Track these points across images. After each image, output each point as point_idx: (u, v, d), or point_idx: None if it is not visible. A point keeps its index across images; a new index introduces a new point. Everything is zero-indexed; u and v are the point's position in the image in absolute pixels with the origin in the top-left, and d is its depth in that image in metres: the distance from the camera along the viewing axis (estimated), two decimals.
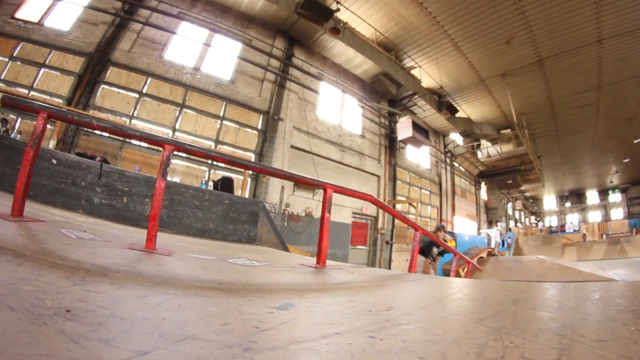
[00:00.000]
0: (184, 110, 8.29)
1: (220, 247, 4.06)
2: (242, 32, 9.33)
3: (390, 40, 11.39)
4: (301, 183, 3.43)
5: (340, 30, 9.28)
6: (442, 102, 13.82)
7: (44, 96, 7.35)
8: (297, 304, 1.44)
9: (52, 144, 6.69)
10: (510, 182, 19.85)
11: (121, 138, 7.13)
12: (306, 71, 10.24)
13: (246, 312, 1.21)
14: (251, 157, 8.88)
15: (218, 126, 8.66)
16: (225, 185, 6.27)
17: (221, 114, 8.74)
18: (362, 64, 11.40)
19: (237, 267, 2.34)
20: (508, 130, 16.42)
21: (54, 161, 4.49)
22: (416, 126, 11.64)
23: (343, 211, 10.59)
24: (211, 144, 8.43)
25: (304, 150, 9.93)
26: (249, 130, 9.10)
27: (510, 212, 25.99)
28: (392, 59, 11.58)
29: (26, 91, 7.32)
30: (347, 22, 9.94)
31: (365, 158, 11.91)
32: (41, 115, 2.31)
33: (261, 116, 9.29)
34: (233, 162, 3.19)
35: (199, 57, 8.73)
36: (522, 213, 30.24)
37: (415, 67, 12.45)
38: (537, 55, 11.42)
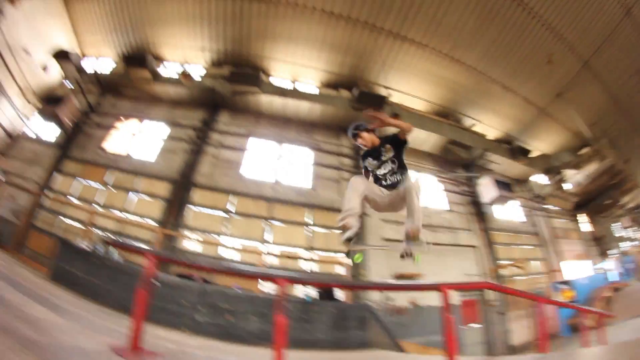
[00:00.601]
0: (272, 222, 8.57)
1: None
2: (309, 137, 10.00)
3: (445, 107, 11.44)
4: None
5: (399, 114, 9.44)
6: (513, 148, 12.99)
7: (138, 219, 8.14)
8: None
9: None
10: (608, 201, 17.34)
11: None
12: None
13: None
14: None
15: (307, 233, 8.70)
16: (328, 292, 6.15)
17: (308, 221, 8.86)
18: (427, 139, 11.31)
19: None
20: (587, 149, 14.66)
21: (157, 283, 4.65)
22: (498, 183, 10.99)
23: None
24: (303, 252, 8.45)
25: (394, 240, 9.28)
26: (337, 232, 8.84)
27: (620, 233, 22.02)
28: (452, 123, 11.44)
29: (122, 214, 8.41)
30: (400, 104, 10.20)
31: (457, 232, 11.02)
32: (150, 259, 2.45)
33: None
34: (346, 285, 3.19)
35: (277, 171, 9.41)
36: (633, 229, 25.32)
37: (475, 124, 12.08)
38: (580, 59, 10.56)
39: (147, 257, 2.52)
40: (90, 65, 11.04)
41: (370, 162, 3.06)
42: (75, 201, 9.18)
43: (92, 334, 2.48)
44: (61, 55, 10.35)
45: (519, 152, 12.77)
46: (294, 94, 9.39)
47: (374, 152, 3.08)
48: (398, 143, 3.01)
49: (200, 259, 7.31)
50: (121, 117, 10.35)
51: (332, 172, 9.57)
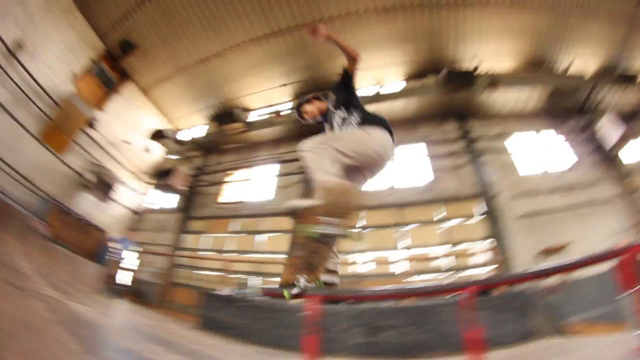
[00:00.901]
0: (404, 228, 8.43)
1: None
2: (414, 133, 9.92)
3: (533, 57, 10.52)
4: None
5: (496, 81, 8.88)
6: (619, 77, 11.45)
7: (268, 255, 8.77)
8: None
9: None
10: None
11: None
12: (487, 137, 9.86)
13: None
14: (486, 242, 8.08)
15: (440, 230, 8.39)
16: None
17: (439, 217, 8.59)
18: (529, 98, 10.55)
19: None
20: None
21: (300, 313, 4.86)
22: (619, 119, 9.82)
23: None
24: (440, 249, 8.22)
25: (531, 215, 8.72)
26: (471, 221, 8.56)
27: None
28: (547, 73, 10.49)
29: (255, 255, 9.07)
30: (490, 72, 9.63)
31: (591, 187, 9.77)
32: (316, 301, 2.10)
33: (476, 201, 8.75)
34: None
35: (394, 175, 9.39)
36: None
37: (570, 64, 10.96)
38: None
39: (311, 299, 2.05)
40: (186, 135, 12.16)
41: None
42: (208, 254, 10.02)
43: None
44: (157, 135, 11.56)
45: (626, 80, 11.30)
46: (385, 97, 9.27)
47: (326, 117, 2.54)
48: (346, 82, 2.43)
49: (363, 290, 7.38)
50: (229, 171, 11.14)
51: (449, 161, 9.24)
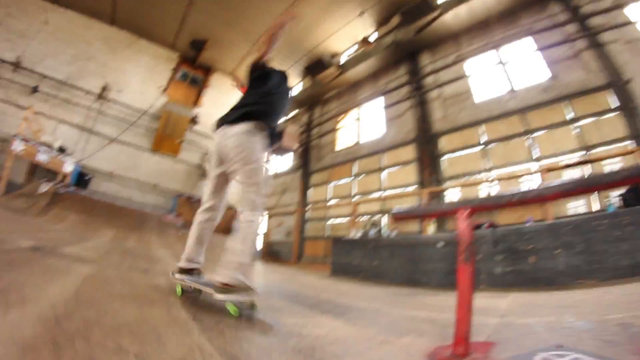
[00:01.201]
0: (534, 135, 7.20)
1: None
2: (519, 26, 8.17)
3: None
4: None
5: None
6: None
7: (396, 190, 8.57)
8: None
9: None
10: None
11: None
12: (601, 10, 7.24)
13: None
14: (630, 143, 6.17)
15: (575, 131, 6.84)
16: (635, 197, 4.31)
17: (572, 115, 6.99)
18: None
19: None
20: None
21: (439, 244, 4.72)
22: None
23: None
24: (581, 152, 6.63)
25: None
26: (607, 116, 6.61)
27: None
28: None
29: (379, 194, 8.96)
30: None
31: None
32: (465, 214, 1.56)
33: (608, 92, 6.70)
34: None
35: (510, 78, 8.02)
36: None
37: None
38: None
39: (457, 213, 1.56)
40: None
41: None
42: (335, 202, 10.42)
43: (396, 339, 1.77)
44: None
45: None
46: None
47: None
48: None
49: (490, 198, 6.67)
50: (336, 117, 11.31)
51: (565, 49, 7.33)
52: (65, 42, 9.58)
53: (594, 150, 6.43)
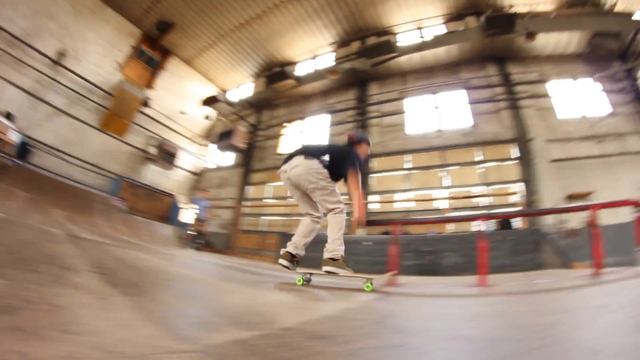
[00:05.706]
0: (448, 168, 9.03)
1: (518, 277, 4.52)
2: (457, 78, 10.03)
3: None
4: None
5: (534, 31, 8.65)
6: None
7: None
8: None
9: None
10: None
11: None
12: (526, 81, 9.64)
13: None
14: (519, 186, 8.45)
15: (480, 171, 8.87)
16: (505, 223, 7.05)
17: (479, 158, 8.98)
18: (569, 40, 9.86)
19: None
20: None
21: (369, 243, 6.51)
22: None
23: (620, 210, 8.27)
24: (481, 188, 8.74)
25: (562, 160, 8.75)
26: (507, 162, 8.82)
27: None
28: (590, 11, 9.87)
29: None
30: (530, 12, 9.27)
31: (625, 137, 9.16)
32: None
33: (513, 145, 8.92)
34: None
35: (439, 119, 9.78)
36: None
37: (615, 2, 10.12)
38: None
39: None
40: (237, 96, 13.09)
41: None
42: (271, 201, 11.28)
43: None
44: (210, 101, 12.35)
45: None
46: (427, 44, 9.25)
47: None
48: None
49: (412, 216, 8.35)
50: (283, 124, 12.07)
51: (489, 105, 9.39)
52: None
53: (491, 187, 8.60)
